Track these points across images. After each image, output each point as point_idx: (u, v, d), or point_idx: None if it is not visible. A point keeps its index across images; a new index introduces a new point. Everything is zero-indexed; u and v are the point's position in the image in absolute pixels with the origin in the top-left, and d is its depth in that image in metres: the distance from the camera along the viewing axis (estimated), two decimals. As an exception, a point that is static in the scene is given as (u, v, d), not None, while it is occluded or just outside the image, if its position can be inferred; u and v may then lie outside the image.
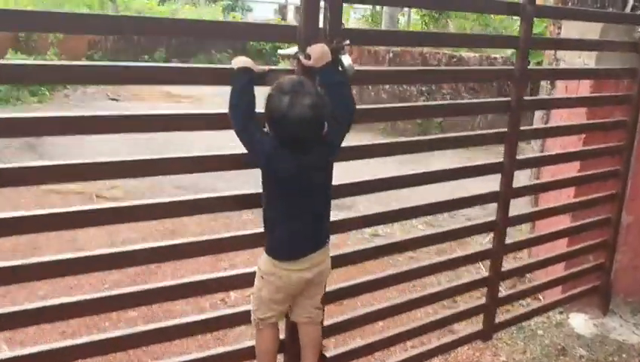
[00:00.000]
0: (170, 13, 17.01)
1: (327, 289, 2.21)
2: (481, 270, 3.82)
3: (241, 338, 2.79)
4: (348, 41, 1.97)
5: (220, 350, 2.19)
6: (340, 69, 1.94)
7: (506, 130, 2.66)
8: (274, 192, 1.87)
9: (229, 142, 1.99)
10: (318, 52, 1.87)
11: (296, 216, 1.89)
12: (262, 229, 1.97)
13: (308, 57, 1.89)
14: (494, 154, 2.89)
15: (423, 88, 7.89)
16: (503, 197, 2.72)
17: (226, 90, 1.87)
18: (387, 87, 7.77)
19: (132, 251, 1.87)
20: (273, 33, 2.12)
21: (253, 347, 2.06)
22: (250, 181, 2.02)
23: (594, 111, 3.16)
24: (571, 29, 3.58)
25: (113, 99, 8.88)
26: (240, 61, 1.85)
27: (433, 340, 2.97)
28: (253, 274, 1.98)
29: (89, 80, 1.76)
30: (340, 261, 2.24)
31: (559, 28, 3.78)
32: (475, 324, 3.07)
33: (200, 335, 2.58)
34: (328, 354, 2.33)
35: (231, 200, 2.01)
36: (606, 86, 3.16)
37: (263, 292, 1.95)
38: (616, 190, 3.22)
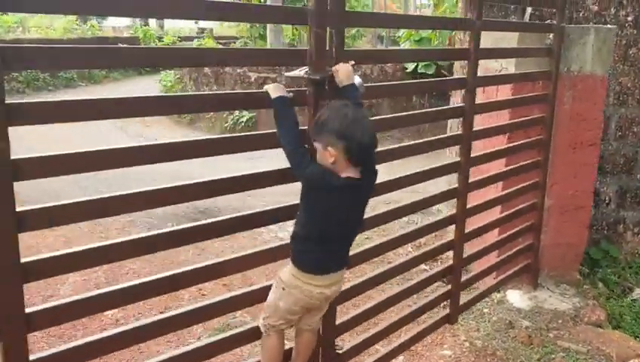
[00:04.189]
0: (19, 21, 15.78)
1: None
2: (435, 265, 4.10)
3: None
4: (353, 62, 2.11)
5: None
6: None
7: (460, 132, 2.96)
8: (316, 209, 1.90)
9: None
10: (346, 71, 2.01)
11: (333, 236, 1.93)
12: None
13: (323, 79, 2.02)
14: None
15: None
16: (462, 191, 3.02)
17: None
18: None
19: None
20: (284, 57, 2.19)
21: None
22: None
23: (516, 110, 3.57)
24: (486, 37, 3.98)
25: None
26: (275, 89, 1.94)
27: (402, 335, 3.16)
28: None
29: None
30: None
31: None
32: (438, 312, 3.33)
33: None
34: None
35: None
36: (525, 88, 3.57)
37: (281, 303, 1.98)
38: (539, 178, 3.67)
